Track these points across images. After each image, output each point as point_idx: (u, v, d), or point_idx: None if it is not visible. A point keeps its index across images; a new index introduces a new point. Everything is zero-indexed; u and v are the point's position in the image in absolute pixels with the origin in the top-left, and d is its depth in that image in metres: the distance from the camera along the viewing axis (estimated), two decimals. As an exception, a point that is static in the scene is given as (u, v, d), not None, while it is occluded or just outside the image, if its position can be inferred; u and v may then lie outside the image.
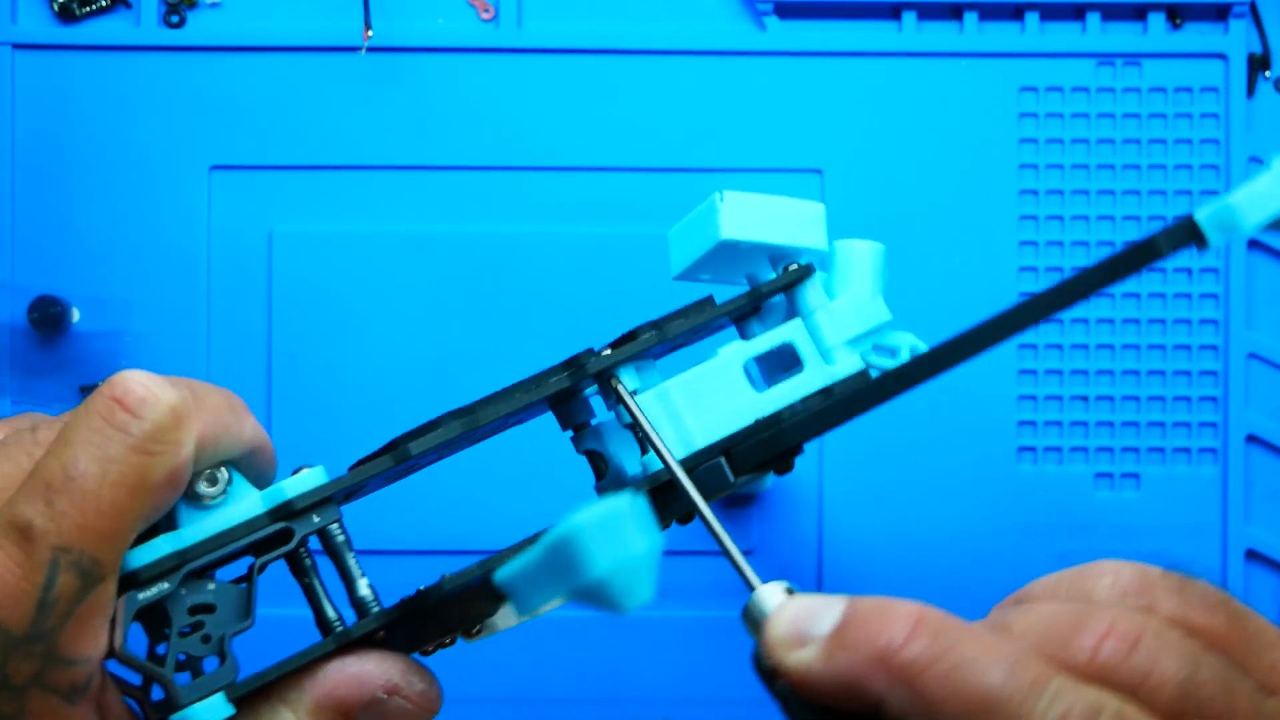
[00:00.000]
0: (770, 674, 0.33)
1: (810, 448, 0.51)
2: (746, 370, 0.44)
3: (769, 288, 0.44)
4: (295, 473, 0.39)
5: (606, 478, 0.44)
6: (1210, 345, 0.64)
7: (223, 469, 0.38)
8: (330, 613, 0.40)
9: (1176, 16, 0.64)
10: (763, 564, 0.63)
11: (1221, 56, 0.64)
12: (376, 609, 0.40)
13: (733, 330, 0.46)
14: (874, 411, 0.42)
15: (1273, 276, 0.64)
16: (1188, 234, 0.37)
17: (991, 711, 0.29)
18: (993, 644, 0.30)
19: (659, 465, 0.42)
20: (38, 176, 0.63)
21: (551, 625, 0.63)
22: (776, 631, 0.31)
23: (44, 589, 0.34)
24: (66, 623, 0.35)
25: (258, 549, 0.40)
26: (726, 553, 0.38)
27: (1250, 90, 0.64)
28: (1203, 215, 0.36)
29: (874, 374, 0.44)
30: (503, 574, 0.33)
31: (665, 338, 0.43)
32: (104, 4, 0.63)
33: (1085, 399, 0.64)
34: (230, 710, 0.38)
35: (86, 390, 0.62)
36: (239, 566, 0.40)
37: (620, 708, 0.63)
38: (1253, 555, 0.63)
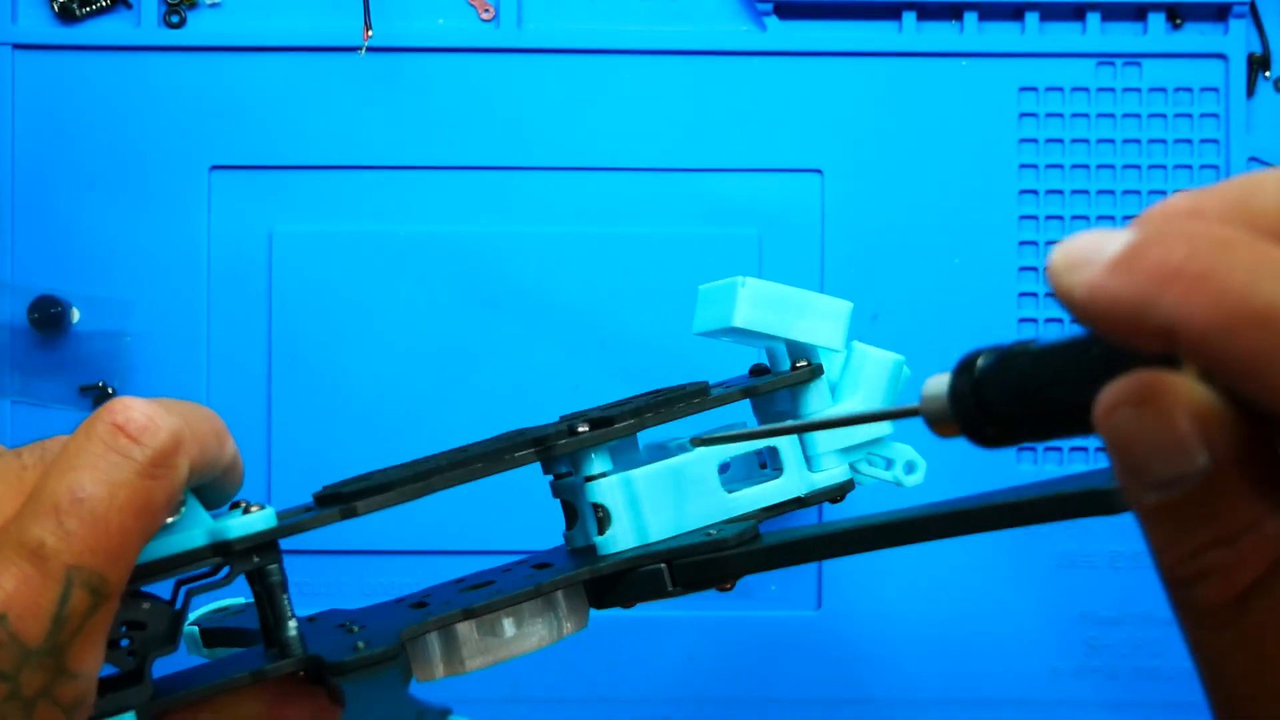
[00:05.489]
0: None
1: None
2: (722, 466, 0.43)
3: (768, 386, 0.44)
4: (239, 508, 0.40)
5: (574, 529, 0.44)
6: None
7: (181, 494, 0.39)
8: (288, 632, 0.40)
9: (1176, 16, 0.64)
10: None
11: (1221, 56, 0.64)
12: (300, 653, 0.40)
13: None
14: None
15: (1273, 276, 0.64)
16: None
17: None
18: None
19: (611, 549, 0.42)
20: (38, 176, 0.63)
21: (551, 625, 0.63)
22: (1058, 259, 0.29)
23: (59, 604, 0.36)
24: (76, 638, 0.36)
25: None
26: (863, 418, 0.36)
27: (1250, 90, 0.64)
28: None
29: (861, 482, 0.44)
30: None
31: (643, 427, 0.42)
32: (104, 4, 0.63)
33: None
34: None
35: (86, 391, 0.62)
36: None
37: (620, 708, 0.63)
38: (1253, 555, 0.63)
